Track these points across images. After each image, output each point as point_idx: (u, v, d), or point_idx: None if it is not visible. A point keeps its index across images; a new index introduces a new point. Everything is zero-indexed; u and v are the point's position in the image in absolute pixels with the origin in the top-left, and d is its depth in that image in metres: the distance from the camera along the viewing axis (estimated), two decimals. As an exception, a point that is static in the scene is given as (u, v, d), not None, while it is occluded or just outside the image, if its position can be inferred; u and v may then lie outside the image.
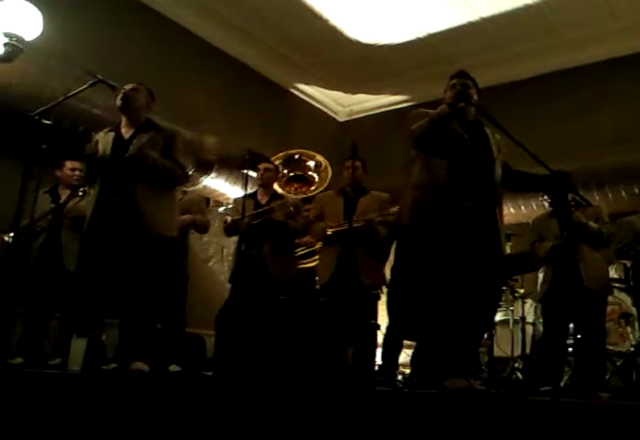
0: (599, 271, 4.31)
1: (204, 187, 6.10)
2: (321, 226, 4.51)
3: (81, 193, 4.36)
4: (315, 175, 4.81)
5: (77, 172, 4.44)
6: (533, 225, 4.62)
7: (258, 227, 4.44)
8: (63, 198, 4.47)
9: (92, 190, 3.70)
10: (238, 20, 6.57)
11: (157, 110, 3.82)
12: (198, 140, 5.82)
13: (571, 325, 4.43)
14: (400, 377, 4.54)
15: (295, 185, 4.82)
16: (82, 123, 4.86)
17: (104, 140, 3.60)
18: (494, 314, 3.50)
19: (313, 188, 4.79)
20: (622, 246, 4.52)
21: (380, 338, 4.44)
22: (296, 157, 4.85)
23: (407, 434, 2.15)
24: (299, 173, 4.83)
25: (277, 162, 4.77)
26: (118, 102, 3.58)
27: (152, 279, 3.46)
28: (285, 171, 4.83)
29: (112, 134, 3.60)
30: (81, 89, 3.52)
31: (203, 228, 4.79)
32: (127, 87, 3.59)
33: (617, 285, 5.13)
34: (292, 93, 7.73)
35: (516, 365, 5.41)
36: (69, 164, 4.50)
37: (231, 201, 5.28)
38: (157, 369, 3.59)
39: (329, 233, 4.44)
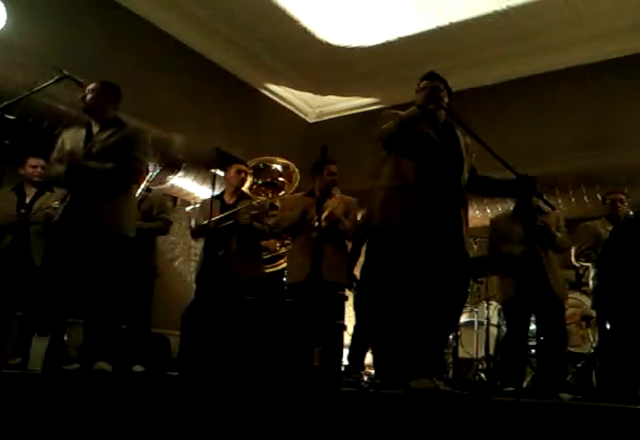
0: (560, 277, 4.37)
1: (172, 186, 6.04)
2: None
3: (49, 193, 4.32)
4: (284, 178, 4.88)
5: (39, 169, 4.38)
6: (493, 227, 4.52)
7: (224, 229, 4.42)
8: (29, 197, 4.41)
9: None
10: (208, 19, 6.53)
11: (124, 108, 3.77)
12: (166, 138, 5.77)
13: (532, 327, 4.50)
14: (366, 377, 4.56)
15: (267, 191, 4.91)
16: (46, 118, 4.78)
17: (72, 138, 3.54)
18: (459, 316, 3.53)
19: (283, 192, 4.88)
20: (584, 249, 4.62)
21: (346, 339, 4.46)
22: (260, 165, 4.95)
23: (372, 435, 2.16)
24: (268, 180, 4.93)
25: (250, 172, 4.84)
26: (80, 104, 3.54)
27: (113, 278, 3.40)
28: (254, 180, 4.94)
29: (83, 132, 3.55)
30: (46, 84, 3.46)
31: (163, 231, 4.70)
32: (89, 87, 3.52)
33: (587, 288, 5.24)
34: (262, 93, 7.70)
35: (480, 366, 5.48)
36: (31, 161, 4.43)
37: (199, 200, 5.25)
38: (120, 370, 3.54)
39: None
